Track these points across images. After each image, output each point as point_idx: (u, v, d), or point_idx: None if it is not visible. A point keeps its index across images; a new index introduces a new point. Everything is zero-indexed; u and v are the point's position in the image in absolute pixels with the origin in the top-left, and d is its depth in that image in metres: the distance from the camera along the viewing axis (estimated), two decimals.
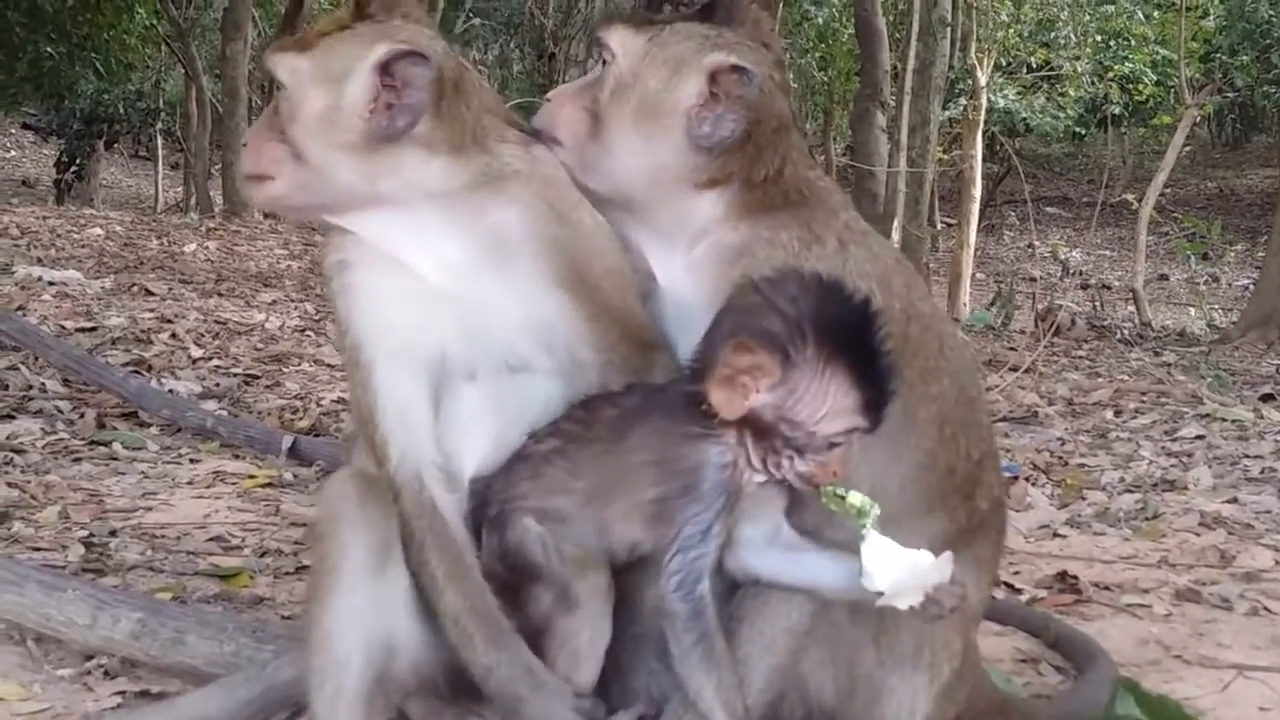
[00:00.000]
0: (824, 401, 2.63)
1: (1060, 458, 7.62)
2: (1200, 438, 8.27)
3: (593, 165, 2.96)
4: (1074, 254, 22.01)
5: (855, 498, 2.71)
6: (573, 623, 2.88)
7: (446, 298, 2.94)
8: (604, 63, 2.97)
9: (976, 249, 24.29)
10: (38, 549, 4.81)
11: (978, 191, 23.53)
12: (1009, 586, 4.87)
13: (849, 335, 2.63)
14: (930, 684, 3.03)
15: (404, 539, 2.91)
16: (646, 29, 2.96)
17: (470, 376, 2.97)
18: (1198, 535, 5.76)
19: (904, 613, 2.74)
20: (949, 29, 20.52)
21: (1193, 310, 22.24)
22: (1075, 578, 4.96)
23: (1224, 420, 8.96)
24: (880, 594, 2.65)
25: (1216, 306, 22.25)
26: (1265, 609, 4.71)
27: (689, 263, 2.99)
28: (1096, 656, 3.96)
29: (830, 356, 2.61)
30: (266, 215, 26.09)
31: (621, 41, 2.95)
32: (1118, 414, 9.49)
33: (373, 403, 2.96)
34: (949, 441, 3.01)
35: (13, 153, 39.65)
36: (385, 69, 2.87)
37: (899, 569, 2.65)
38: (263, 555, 4.98)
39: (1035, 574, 5.11)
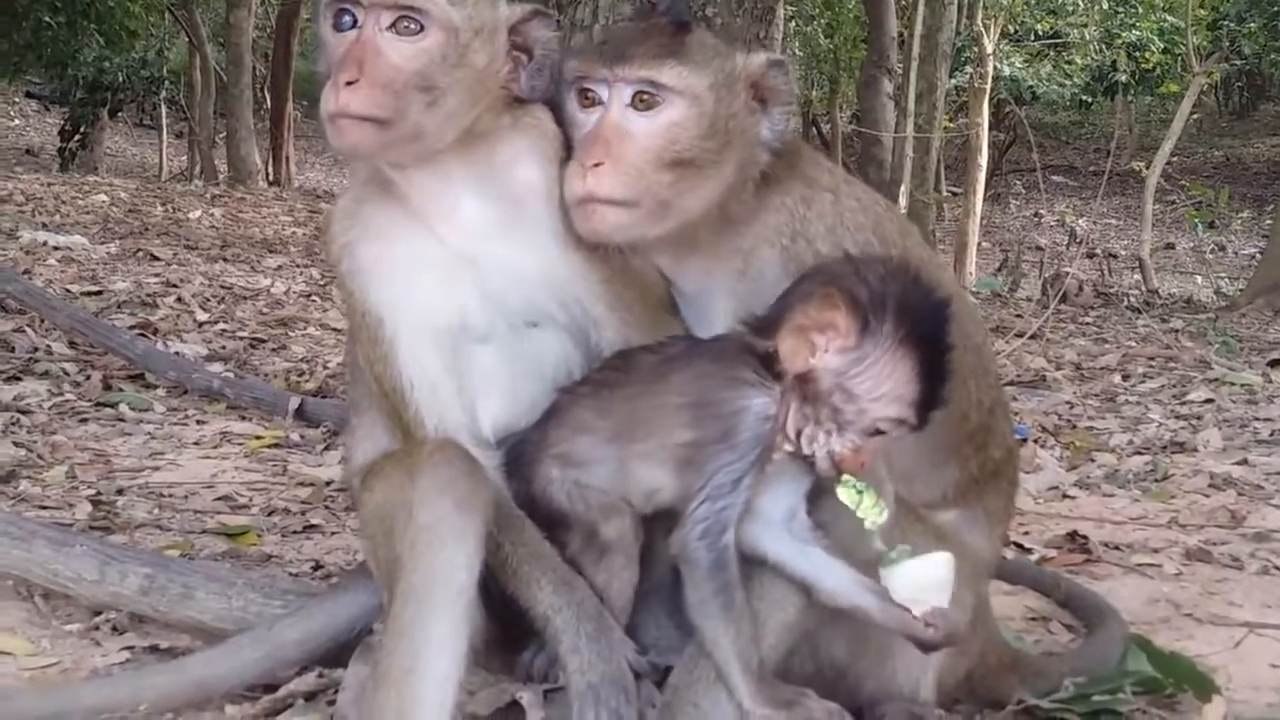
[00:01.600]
0: (885, 381, 2.63)
1: (1069, 421, 7.60)
2: (1209, 401, 8.24)
3: (665, 213, 2.89)
4: (1081, 222, 21.88)
5: (870, 498, 2.69)
6: (601, 568, 2.86)
7: (465, 259, 2.94)
8: (650, 104, 2.86)
9: (982, 217, 24.21)
10: (45, 507, 4.80)
11: (984, 160, 23.40)
12: (1019, 546, 4.86)
13: (926, 328, 2.65)
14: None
15: None
16: (683, 58, 2.89)
17: (484, 339, 2.96)
18: (1207, 496, 5.75)
19: None
20: None
21: (1199, 278, 22.16)
22: (1085, 538, 4.95)
23: (1232, 384, 8.92)
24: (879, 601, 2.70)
25: (1223, 275, 22.16)
26: (1276, 568, 4.71)
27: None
28: (1107, 614, 3.94)
29: (904, 340, 2.62)
30: (271, 181, 26.18)
31: (677, 78, 2.86)
32: (1126, 378, 9.46)
33: (399, 378, 2.94)
34: (960, 388, 2.97)
35: (16, 121, 39.55)
36: (514, 29, 2.92)
37: (914, 579, 2.68)
38: (270, 514, 4.97)
39: (1045, 534, 5.10)
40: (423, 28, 2.81)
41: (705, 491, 2.68)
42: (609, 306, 2.99)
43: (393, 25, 2.80)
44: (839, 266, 2.75)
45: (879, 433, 2.67)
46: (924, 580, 2.69)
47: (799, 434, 2.69)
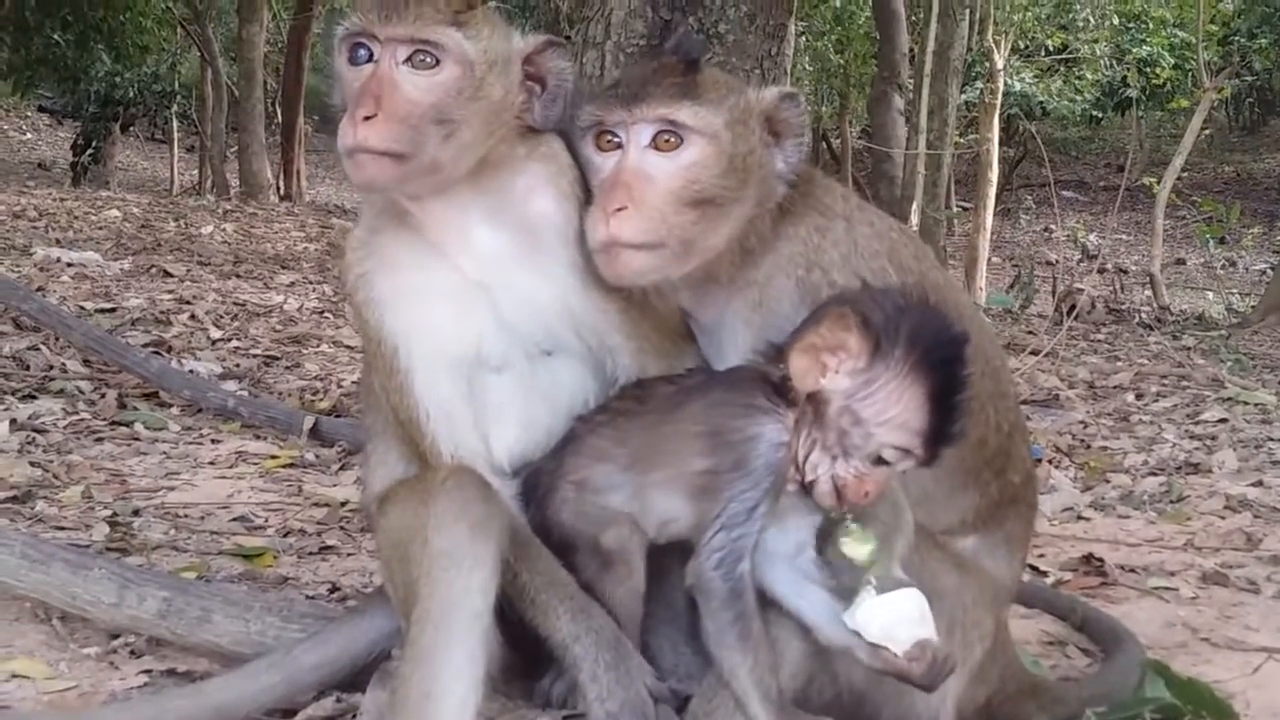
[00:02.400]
0: (893, 406, 2.63)
1: (1082, 440, 7.58)
2: (1223, 421, 8.20)
3: (688, 252, 2.90)
4: (1092, 238, 21.83)
5: (868, 539, 2.69)
6: (606, 579, 2.86)
7: (481, 288, 2.96)
8: (671, 145, 2.87)
9: (992, 233, 24.18)
10: (61, 528, 4.80)
11: (994, 175, 23.38)
12: (1034, 569, 4.85)
13: (938, 358, 2.64)
14: (962, 665, 3.01)
15: None
16: (699, 97, 2.90)
17: (500, 368, 2.98)
18: (1223, 518, 5.73)
19: (936, 596, 2.81)
20: (968, 10, 20.38)
21: (1210, 295, 22.12)
22: (1100, 560, 4.93)
23: (1246, 404, 8.90)
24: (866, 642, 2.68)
25: (1234, 290, 22.12)
26: None
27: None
28: (1124, 639, 3.94)
29: (916, 367, 2.62)
30: (283, 196, 26.22)
31: (695, 117, 2.87)
32: (1139, 397, 9.43)
33: (415, 407, 2.96)
34: (977, 413, 2.98)
35: (28, 135, 39.66)
36: (528, 60, 2.95)
37: (890, 616, 2.66)
38: (286, 535, 4.97)
39: (1060, 556, 5.09)
40: (438, 61, 2.83)
41: (720, 520, 2.69)
42: (626, 336, 3.01)
43: (409, 59, 2.82)
44: (852, 291, 2.77)
45: (884, 461, 2.67)
46: (894, 617, 2.67)
47: (805, 459, 2.69)
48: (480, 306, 2.95)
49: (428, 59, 2.82)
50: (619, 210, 2.81)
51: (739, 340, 2.96)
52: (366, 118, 2.75)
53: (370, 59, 2.84)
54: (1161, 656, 3.87)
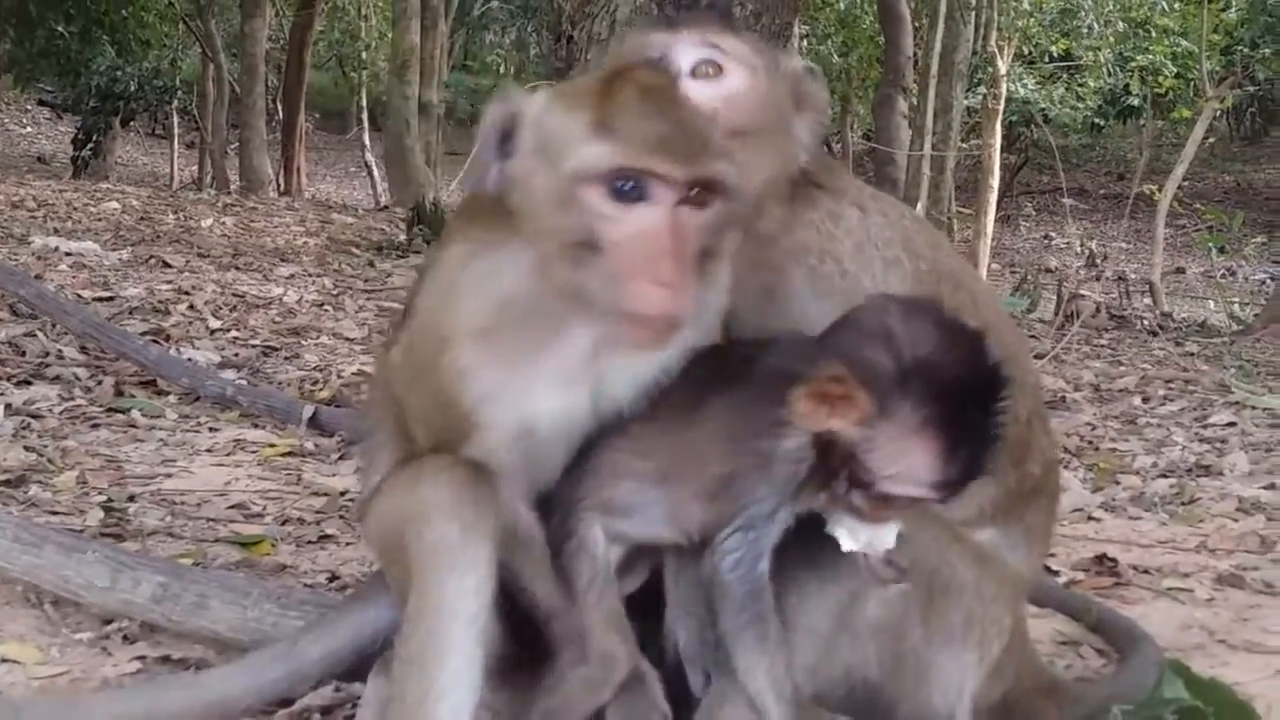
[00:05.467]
0: (899, 463, 2.47)
1: (1091, 442, 7.51)
2: (1232, 424, 8.14)
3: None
4: (1092, 245, 21.84)
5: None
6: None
7: (592, 369, 2.70)
8: (714, 70, 2.86)
9: (993, 239, 24.18)
10: (55, 513, 4.73)
11: (995, 181, 23.38)
12: (1046, 569, 4.76)
13: (959, 401, 2.45)
14: (979, 661, 2.94)
15: None
16: (736, 33, 2.94)
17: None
18: (1236, 520, 5.65)
19: (954, 589, 2.82)
20: (973, 14, 20.39)
21: (1211, 303, 22.09)
22: (1114, 560, 4.86)
23: (1254, 408, 8.84)
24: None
25: (1234, 299, 22.09)
26: None
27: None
28: (1140, 640, 3.86)
29: (927, 420, 2.43)
30: (283, 191, 26.22)
31: (737, 47, 2.89)
32: (1145, 400, 9.37)
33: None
34: None
35: (29, 129, 39.69)
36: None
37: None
38: (284, 523, 4.89)
39: (1072, 556, 5.01)
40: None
41: (739, 521, 2.61)
42: None
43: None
44: (868, 321, 2.54)
45: (896, 503, 2.57)
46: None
47: (822, 479, 2.59)
48: (586, 387, 2.69)
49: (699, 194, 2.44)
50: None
51: (749, 327, 2.89)
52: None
53: (640, 198, 2.40)
54: (1178, 658, 3.79)
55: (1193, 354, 13.13)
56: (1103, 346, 13.51)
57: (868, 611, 2.79)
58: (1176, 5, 28.06)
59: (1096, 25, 27.54)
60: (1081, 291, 16.18)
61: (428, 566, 2.57)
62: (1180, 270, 29.28)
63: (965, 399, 2.47)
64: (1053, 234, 29.48)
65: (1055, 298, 16.07)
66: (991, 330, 2.95)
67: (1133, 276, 23.94)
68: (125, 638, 3.59)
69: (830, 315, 2.70)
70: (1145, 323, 16.56)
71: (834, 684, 2.84)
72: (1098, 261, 18.08)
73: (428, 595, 2.56)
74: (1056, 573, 4.77)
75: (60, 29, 26.40)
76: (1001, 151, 24.85)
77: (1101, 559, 4.89)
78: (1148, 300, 20.30)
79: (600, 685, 2.70)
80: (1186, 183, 23.67)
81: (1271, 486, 6.27)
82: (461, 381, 2.64)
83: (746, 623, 2.62)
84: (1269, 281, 24.39)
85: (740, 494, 2.61)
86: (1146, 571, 4.85)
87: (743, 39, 2.94)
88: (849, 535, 2.62)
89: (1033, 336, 13.35)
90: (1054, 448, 3.31)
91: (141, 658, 3.50)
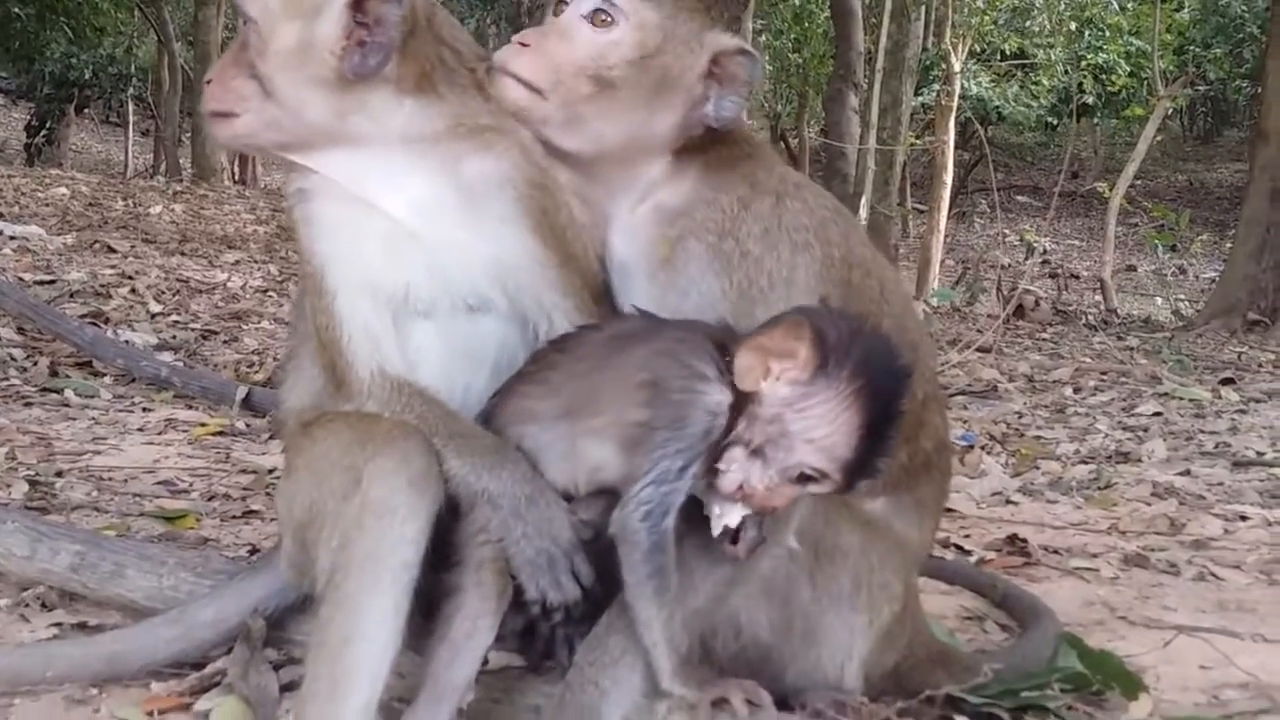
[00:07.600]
0: (823, 427, 2.59)
1: (1017, 429, 7.63)
2: (1157, 414, 8.28)
3: (578, 124, 2.98)
4: (1044, 241, 22.03)
5: None
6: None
7: (413, 236, 2.93)
8: (603, 23, 2.97)
9: (947, 235, 24.30)
10: None
11: (949, 177, 23.52)
12: (959, 549, 4.87)
13: (880, 390, 2.61)
14: (869, 625, 3.02)
15: None
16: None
17: (426, 314, 2.95)
18: (1149, 504, 5.77)
19: (840, 553, 2.90)
20: (922, 9, 20.50)
21: (1159, 300, 22.32)
22: (1025, 541, 4.95)
23: (1181, 399, 8.98)
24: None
25: (1183, 297, 22.32)
26: (1212, 574, 4.71)
27: (630, 222, 3.07)
28: (1041, 614, 3.94)
29: (856, 394, 2.58)
30: (237, 180, 26.08)
31: (635, 9, 2.97)
32: (1077, 391, 9.51)
33: (338, 327, 2.92)
34: None
35: None
36: (357, 5, 2.86)
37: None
38: (210, 499, 4.94)
39: (985, 538, 5.10)
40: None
41: (651, 475, 2.66)
42: (563, 294, 2.99)
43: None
44: (819, 306, 2.77)
45: (798, 480, 2.66)
46: None
47: (724, 450, 2.68)
48: (412, 251, 2.92)
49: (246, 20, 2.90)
50: (524, 45, 2.98)
51: (642, 291, 2.98)
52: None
53: None
54: (1078, 632, 3.87)
55: (1132, 348, 13.29)
56: (1044, 340, 13.67)
57: (760, 568, 2.86)
58: (1129, 5, 28.31)
59: (1049, 24, 27.73)
60: (1029, 287, 16.34)
61: (370, 514, 2.66)
62: (1131, 268, 29.54)
63: (889, 384, 2.63)
64: (1006, 231, 29.66)
65: (998, 292, 16.21)
66: (895, 317, 3.07)
67: (1085, 274, 24.16)
68: (43, 605, 3.63)
69: (723, 295, 2.84)
70: (1090, 318, 16.73)
71: (725, 642, 2.92)
72: (1047, 258, 18.24)
73: (365, 541, 2.66)
74: (969, 552, 4.87)
75: (17, 10, 26.14)
76: (956, 149, 25.01)
77: (1013, 539, 4.98)
78: (1098, 297, 20.49)
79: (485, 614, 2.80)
80: (1139, 181, 23.94)
81: (1186, 473, 6.40)
82: (303, 228, 3.01)
83: (648, 575, 2.67)
84: (1218, 279, 24.63)
85: (653, 445, 2.67)
86: (1056, 552, 4.94)
87: (657, 6, 3.01)
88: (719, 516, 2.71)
89: (978, 331, 13.49)
90: (947, 429, 3.40)
91: (58, 624, 3.53)
